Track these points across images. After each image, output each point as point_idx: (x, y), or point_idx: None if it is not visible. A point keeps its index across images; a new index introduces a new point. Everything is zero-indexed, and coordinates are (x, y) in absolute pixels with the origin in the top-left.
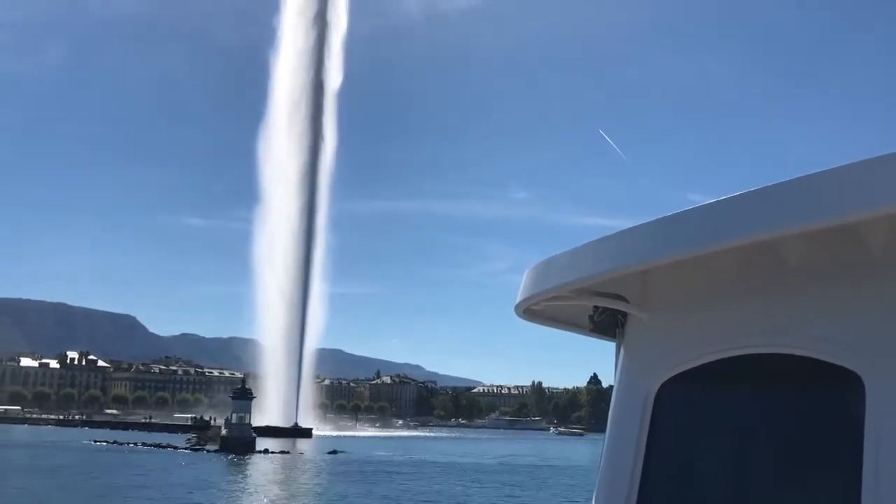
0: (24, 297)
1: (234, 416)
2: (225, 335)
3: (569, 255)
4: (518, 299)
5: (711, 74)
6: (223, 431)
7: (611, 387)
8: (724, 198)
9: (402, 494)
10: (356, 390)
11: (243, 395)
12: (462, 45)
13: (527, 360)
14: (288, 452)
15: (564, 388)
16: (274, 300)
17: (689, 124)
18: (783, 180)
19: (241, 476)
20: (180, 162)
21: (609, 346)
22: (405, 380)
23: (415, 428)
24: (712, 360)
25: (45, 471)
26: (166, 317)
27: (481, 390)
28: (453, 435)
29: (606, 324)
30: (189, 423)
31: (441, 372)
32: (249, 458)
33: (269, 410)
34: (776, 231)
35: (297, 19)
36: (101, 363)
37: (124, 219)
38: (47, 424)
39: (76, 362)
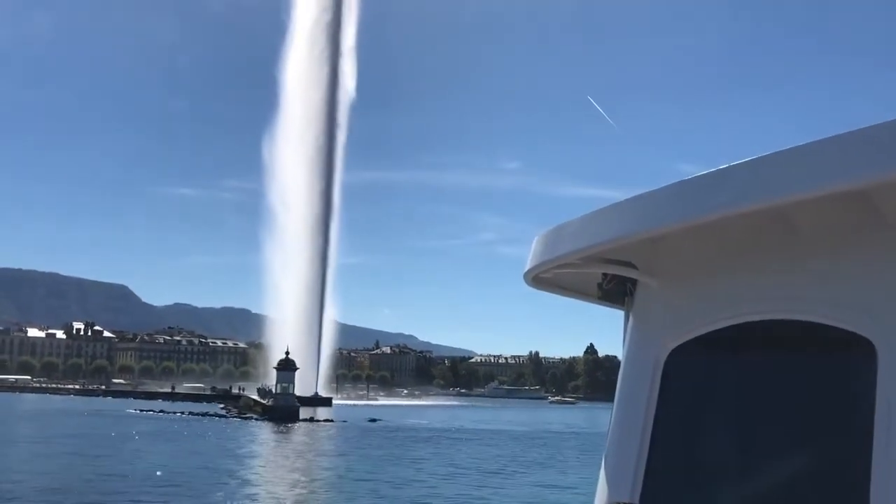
0: (16, 266)
1: (279, 386)
2: (217, 305)
3: (578, 222)
4: (527, 267)
5: (705, 42)
6: (268, 401)
7: (607, 356)
8: (735, 163)
9: (479, 457)
10: (356, 360)
11: (287, 366)
12: (451, 12)
13: (522, 330)
14: (332, 420)
15: (561, 358)
16: (286, 272)
17: (681, 93)
18: (794, 145)
19: (317, 442)
20: (172, 132)
21: (610, 315)
22: (404, 350)
23: (419, 397)
24: (722, 326)
25: (149, 436)
26: (159, 286)
27: (479, 360)
28: (462, 403)
29: (615, 291)
30: (209, 392)
31: (434, 342)
32: (301, 427)
33: None
34: (788, 197)
35: None
36: (106, 334)
37: (116, 188)
38: (69, 394)
39: (81, 333)
